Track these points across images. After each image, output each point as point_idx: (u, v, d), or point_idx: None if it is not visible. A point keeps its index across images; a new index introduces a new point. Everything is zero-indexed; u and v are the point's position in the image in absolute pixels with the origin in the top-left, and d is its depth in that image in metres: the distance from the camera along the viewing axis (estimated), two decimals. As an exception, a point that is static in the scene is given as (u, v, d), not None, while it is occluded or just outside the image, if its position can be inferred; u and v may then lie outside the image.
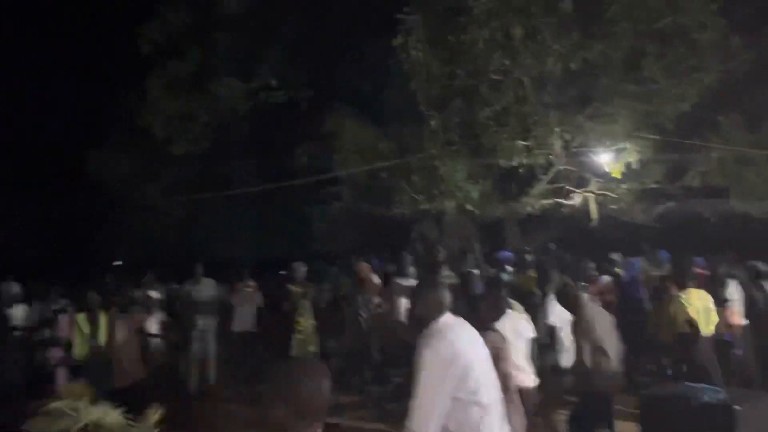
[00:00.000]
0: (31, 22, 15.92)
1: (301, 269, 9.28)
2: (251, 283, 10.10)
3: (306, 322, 8.79)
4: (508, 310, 5.10)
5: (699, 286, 6.74)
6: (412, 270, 10.64)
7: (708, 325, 6.36)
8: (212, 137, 14.41)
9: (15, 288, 8.53)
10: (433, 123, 10.55)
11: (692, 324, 6.15)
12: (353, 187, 14.17)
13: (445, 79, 10.12)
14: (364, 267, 9.95)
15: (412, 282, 9.85)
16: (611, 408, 5.49)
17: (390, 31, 10.35)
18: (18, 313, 8.26)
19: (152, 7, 12.86)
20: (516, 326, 5.16)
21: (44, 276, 10.02)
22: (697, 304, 6.33)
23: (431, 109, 10.42)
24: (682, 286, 6.45)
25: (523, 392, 4.85)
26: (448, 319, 3.45)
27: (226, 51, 13.11)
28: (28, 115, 15.76)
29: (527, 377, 5.13)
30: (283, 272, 10.05)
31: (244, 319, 9.36)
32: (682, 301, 6.30)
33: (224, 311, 9.16)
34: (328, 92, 13.80)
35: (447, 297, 3.52)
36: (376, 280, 10.04)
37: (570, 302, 5.61)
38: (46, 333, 7.95)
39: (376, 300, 9.70)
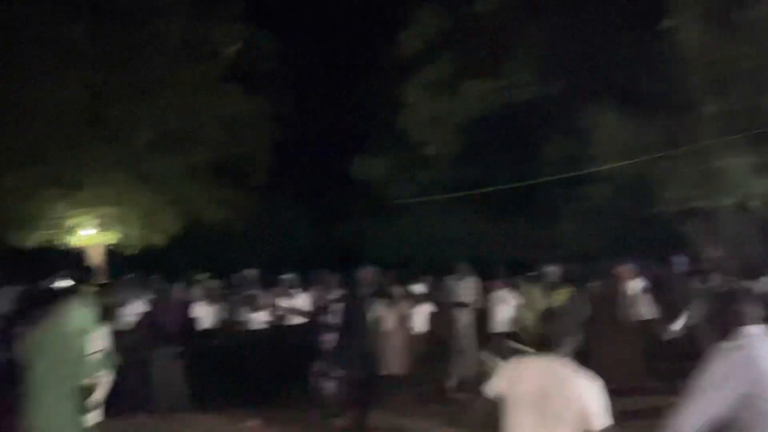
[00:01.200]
0: (295, 34, 17.65)
1: (554, 272, 8.97)
2: (505, 283, 10.05)
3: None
4: None
5: None
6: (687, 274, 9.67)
7: None
8: (464, 137, 14.71)
9: (295, 278, 9.67)
10: (709, 111, 9.43)
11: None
12: (610, 183, 13.36)
13: (726, 61, 8.95)
14: (624, 270, 9.31)
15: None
16: None
17: (651, 13, 9.51)
18: (299, 299, 9.26)
19: (410, 14, 13.52)
20: None
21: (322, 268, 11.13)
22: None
23: (708, 95, 9.32)
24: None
25: None
26: (752, 330, 3.09)
27: (479, 51, 13.26)
28: (298, 122, 17.59)
29: None
30: (533, 273, 9.82)
31: (499, 318, 9.34)
32: None
33: (480, 310, 9.23)
34: (582, 84, 13.16)
35: (753, 307, 3.16)
36: (636, 284, 9.33)
37: None
38: (322, 319, 8.74)
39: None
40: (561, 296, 8.62)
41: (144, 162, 14.03)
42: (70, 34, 13.38)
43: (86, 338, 3.92)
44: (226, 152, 15.25)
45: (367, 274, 7.62)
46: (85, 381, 3.85)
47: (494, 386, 2.91)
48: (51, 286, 10.82)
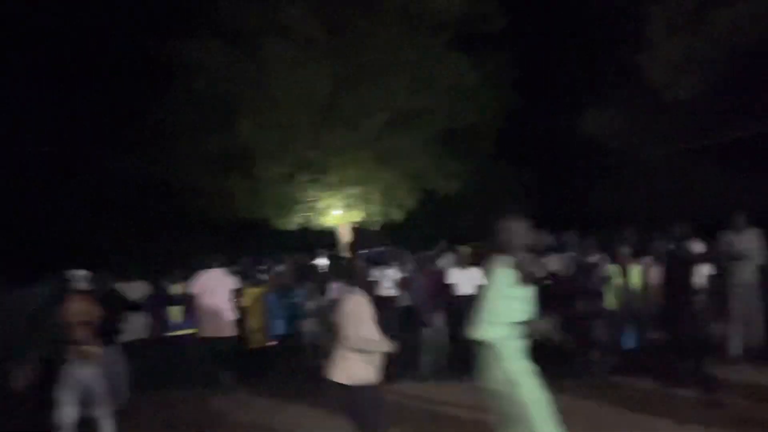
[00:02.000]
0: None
1: None
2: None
3: None
4: None
5: None
6: None
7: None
8: (714, 77, 12.97)
9: (549, 238, 9.43)
10: None
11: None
12: None
13: None
14: None
15: None
16: None
17: None
18: (553, 262, 8.97)
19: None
20: None
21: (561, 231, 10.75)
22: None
23: None
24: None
25: None
26: None
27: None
28: (524, 83, 16.87)
29: None
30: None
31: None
32: None
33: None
34: None
35: None
36: None
37: None
38: (582, 283, 8.34)
39: None
40: None
41: (381, 142, 14.69)
42: (307, 27, 14.37)
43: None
44: (455, 123, 15.33)
45: (682, 229, 7.21)
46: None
47: None
48: (314, 261, 11.96)
